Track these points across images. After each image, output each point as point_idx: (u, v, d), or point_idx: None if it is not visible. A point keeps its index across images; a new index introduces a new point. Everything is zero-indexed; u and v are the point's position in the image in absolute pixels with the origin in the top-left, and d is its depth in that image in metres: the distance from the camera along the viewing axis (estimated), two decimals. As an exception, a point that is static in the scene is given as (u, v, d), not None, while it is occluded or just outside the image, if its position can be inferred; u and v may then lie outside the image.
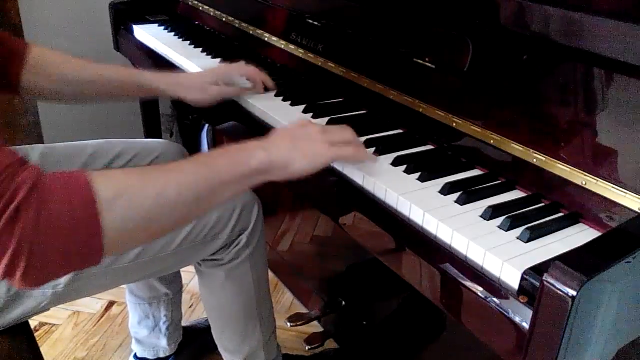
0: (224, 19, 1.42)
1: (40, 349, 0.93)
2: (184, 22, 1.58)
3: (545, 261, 0.59)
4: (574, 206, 0.70)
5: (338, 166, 0.84)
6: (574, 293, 0.50)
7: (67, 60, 1.01)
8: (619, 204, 0.65)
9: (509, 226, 0.67)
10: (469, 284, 0.63)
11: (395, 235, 0.73)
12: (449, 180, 0.77)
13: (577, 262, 0.52)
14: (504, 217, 0.68)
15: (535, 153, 0.74)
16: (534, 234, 0.65)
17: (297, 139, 0.76)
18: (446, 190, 0.75)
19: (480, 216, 0.70)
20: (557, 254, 0.56)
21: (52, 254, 0.56)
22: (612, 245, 0.58)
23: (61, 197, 0.56)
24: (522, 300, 0.58)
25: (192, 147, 2.08)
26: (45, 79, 0.98)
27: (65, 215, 0.55)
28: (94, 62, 1.04)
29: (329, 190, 0.86)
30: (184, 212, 0.67)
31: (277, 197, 1.74)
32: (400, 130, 0.93)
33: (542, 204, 0.73)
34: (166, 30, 1.53)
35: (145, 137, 1.77)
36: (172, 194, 0.64)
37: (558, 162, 0.71)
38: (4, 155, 0.56)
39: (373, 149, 0.86)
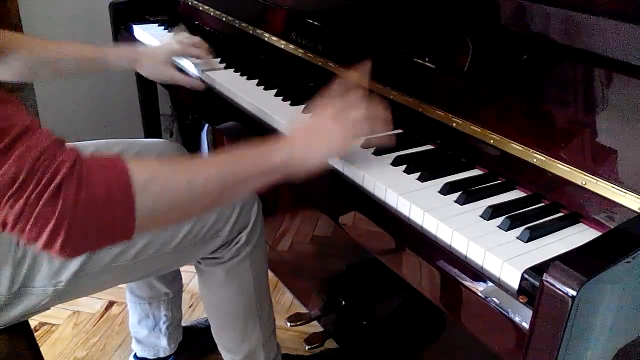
0: (224, 19, 1.42)
1: (40, 349, 0.93)
2: (184, 22, 1.58)
3: (545, 261, 0.59)
4: (574, 206, 0.70)
5: (338, 166, 0.84)
6: (574, 293, 0.50)
7: (33, 41, 1.08)
8: (619, 204, 0.65)
9: (509, 226, 0.67)
10: (469, 284, 0.63)
11: (395, 235, 0.73)
12: (449, 180, 0.77)
13: (577, 262, 0.52)
14: (504, 217, 0.68)
15: (535, 153, 0.74)
16: (534, 234, 0.65)
17: (315, 134, 0.80)
18: (446, 190, 0.75)
19: (480, 216, 0.70)
20: (557, 254, 0.56)
21: (89, 229, 0.60)
22: (612, 245, 0.58)
23: (99, 178, 0.60)
24: (522, 300, 0.58)
25: (192, 147, 2.08)
26: (14, 61, 1.04)
27: (102, 195, 0.60)
28: (58, 42, 1.11)
29: (329, 191, 0.86)
30: (209, 201, 0.72)
31: (277, 197, 1.74)
32: (400, 130, 0.93)
33: (542, 204, 0.73)
34: (166, 31, 1.53)
35: (145, 137, 1.77)
36: (201, 183, 0.69)
37: (558, 162, 0.71)
38: (43, 136, 0.59)
39: (373, 148, 0.86)
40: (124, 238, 0.63)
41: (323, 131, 0.80)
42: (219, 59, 1.28)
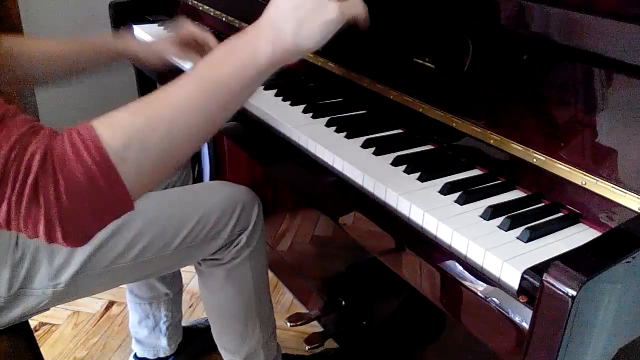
0: (224, 19, 1.42)
1: (40, 349, 0.93)
2: (184, 22, 1.58)
3: (545, 261, 0.59)
4: (574, 206, 0.70)
5: (338, 166, 0.84)
6: (574, 293, 0.50)
7: (37, 42, 1.04)
8: (619, 204, 0.65)
9: (509, 226, 0.67)
10: (469, 284, 0.63)
11: (395, 235, 0.73)
12: (449, 180, 0.77)
13: (577, 262, 0.52)
14: (504, 217, 0.68)
15: (535, 153, 0.74)
16: (534, 234, 0.65)
17: (301, 9, 0.65)
18: (446, 190, 0.75)
19: (480, 216, 0.70)
20: (557, 254, 0.56)
21: (83, 214, 0.57)
22: (612, 245, 0.58)
23: (75, 162, 0.56)
24: (522, 300, 0.58)
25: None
26: (21, 65, 1.00)
27: (81, 175, 0.56)
28: (62, 40, 1.06)
29: (329, 191, 0.86)
30: (199, 136, 0.65)
31: (277, 197, 1.74)
32: (400, 130, 0.93)
33: (542, 204, 0.73)
34: (166, 31, 1.53)
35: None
36: (182, 124, 0.61)
37: (558, 162, 0.71)
38: (16, 125, 0.56)
39: (373, 148, 0.86)
40: (125, 210, 0.60)
41: (314, 3, 0.65)
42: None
